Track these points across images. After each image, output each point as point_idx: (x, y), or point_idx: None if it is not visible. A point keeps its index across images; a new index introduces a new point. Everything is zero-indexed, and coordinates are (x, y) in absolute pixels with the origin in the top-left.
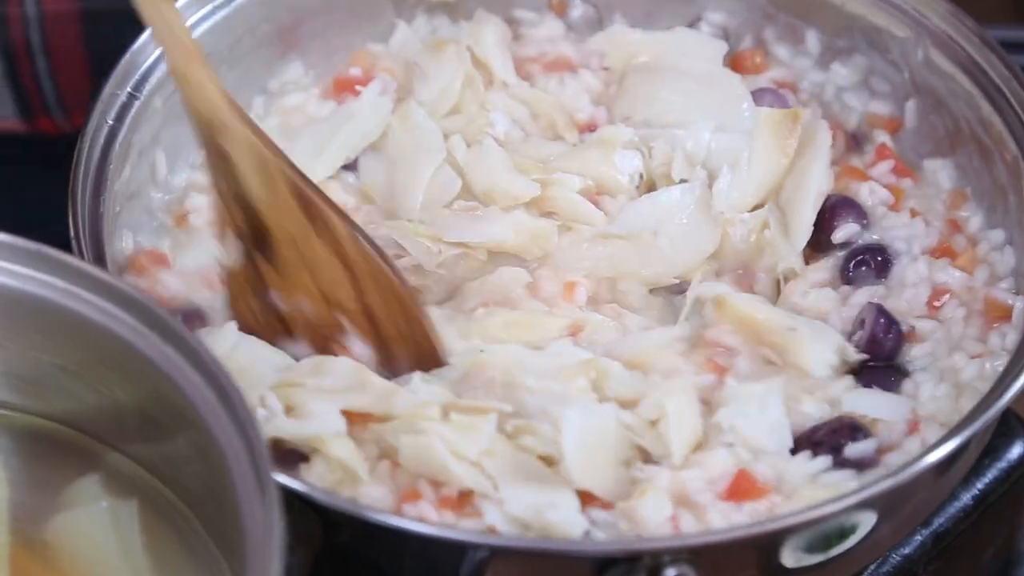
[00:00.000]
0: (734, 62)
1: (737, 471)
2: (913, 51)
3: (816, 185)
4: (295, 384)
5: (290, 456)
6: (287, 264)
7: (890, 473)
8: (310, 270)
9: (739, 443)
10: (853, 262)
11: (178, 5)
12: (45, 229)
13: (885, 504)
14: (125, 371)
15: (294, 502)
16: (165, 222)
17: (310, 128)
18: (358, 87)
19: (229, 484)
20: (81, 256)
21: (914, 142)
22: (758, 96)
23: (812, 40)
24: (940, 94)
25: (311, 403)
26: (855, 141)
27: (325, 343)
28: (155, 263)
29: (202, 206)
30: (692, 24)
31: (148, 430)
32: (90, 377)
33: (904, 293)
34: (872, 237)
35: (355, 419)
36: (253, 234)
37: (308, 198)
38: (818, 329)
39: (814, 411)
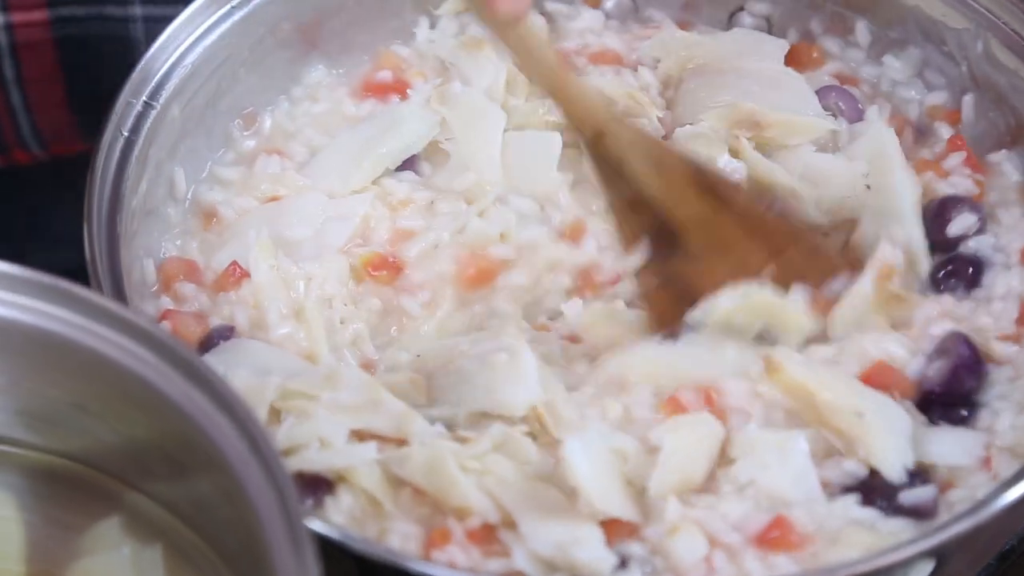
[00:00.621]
0: (791, 58)
1: (775, 517)
2: (972, 43)
3: (909, 196)
4: (308, 396)
5: (316, 484)
6: (697, 252)
7: (967, 513)
8: (721, 250)
9: (760, 495)
10: (944, 272)
11: (195, 6)
12: (52, 255)
13: (961, 543)
14: (145, 410)
15: (330, 549)
16: (190, 226)
17: (350, 130)
18: (399, 94)
19: (259, 533)
20: (98, 282)
21: (973, 136)
22: (823, 94)
23: (862, 31)
24: (1002, 89)
25: (322, 419)
26: (920, 133)
27: None
28: (184, 274)
29: (228, 199)
30: (734, 14)
31: (171, 471)
32: (107, 415)
33: (991, 307)
34: (987, 236)
35: (364, 439)
36: (660, 235)
37: (703, 175)
38: (888, 412)
39: (859, 469)
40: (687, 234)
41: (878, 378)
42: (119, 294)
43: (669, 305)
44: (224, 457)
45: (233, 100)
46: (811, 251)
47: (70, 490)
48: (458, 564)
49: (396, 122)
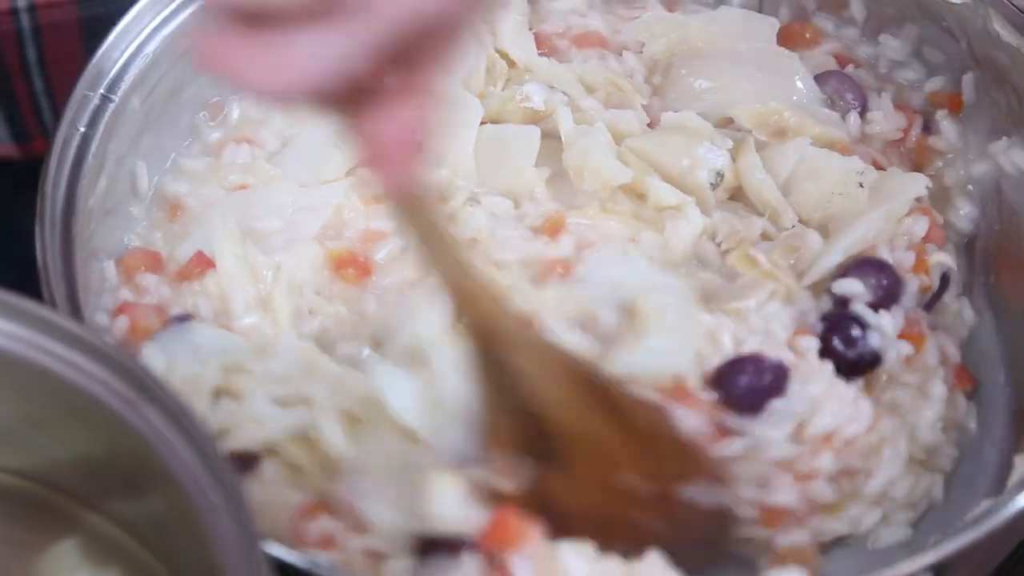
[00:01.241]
0: (784, 38)
1: None
2: (972, 19)
3: (862, 233)
4: (242, 370)
5: (243, 460)
6: (577, 464)
7: (967, 526)
8: (603, 461)
9: None
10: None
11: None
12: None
13: (960, 558)
14: (97, 428)
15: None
16: (154, 219)
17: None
18: None
19: (216, 558)
20: (50, 289)
21: (975, 122)
22: (823, 80)
23: (857, 7)
24: (1002, 66)
25: (256, 396)
26: (926, 130)
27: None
28: (146, 266)
29: (193, 190)
30: None
31: (127, 490)
32: (60, 433)
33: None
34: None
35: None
36: (536, 445)
37: (609, 400)
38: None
39: None
40: (569, 445)
41: None
42: (72, 302)
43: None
44: (177, 478)
45: (198, 90)
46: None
47: (24, 509)
48: (328, 534)
49: None
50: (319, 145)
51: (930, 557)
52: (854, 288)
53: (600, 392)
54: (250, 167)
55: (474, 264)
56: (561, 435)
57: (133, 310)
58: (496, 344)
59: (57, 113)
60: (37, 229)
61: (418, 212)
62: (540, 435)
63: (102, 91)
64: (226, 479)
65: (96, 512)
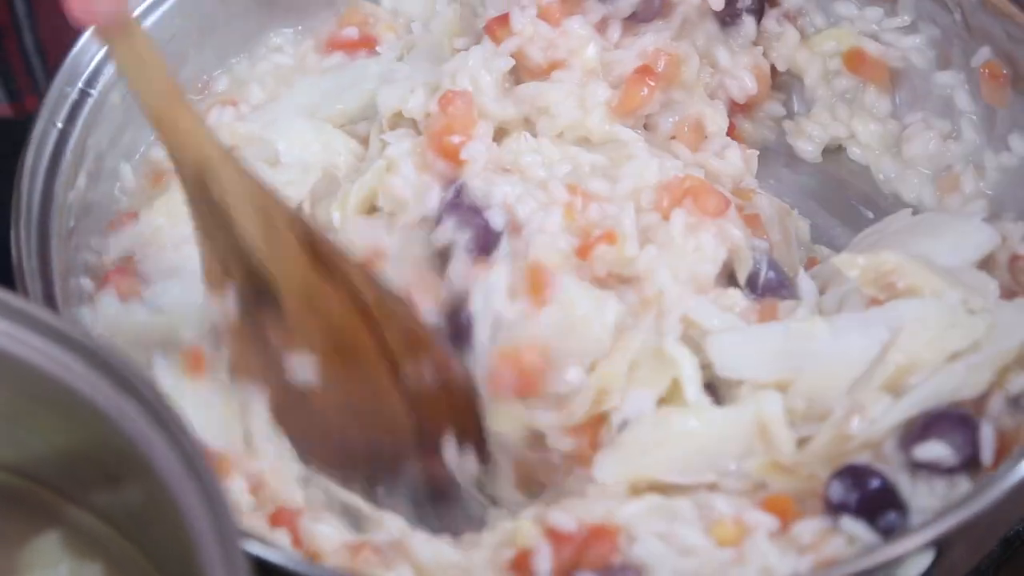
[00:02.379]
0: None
1: None
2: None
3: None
4: None
5: None
6: (293, 317)
7: (965, 501)
8: (321, 318)
9: None
10: None
11: None
12: None
13: (960, 533)
14: (76, 421)
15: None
16: (143, 186)
17: (308, 79)
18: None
19: (194, 551)
20: (24, 286)
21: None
22: None
23: None
24: (997, 39)
25: None
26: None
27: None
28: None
29: None
30: None
31: (107, 483)
32: (38, 426)
33: None
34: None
35: None
36: (252, 287)
37: (315, 240)
38: None
39: None
40: (283, 296)
41: None
42: (49, 298)
43: (248, 356)
44: (155, 472)
45: (182, 82)
46: (419, 340)
47: (6, 502)
48: None
49: (363, 76)
50: (309, 100)
51: (930, 533)
52: (937, 451)
53: (319, 252)
54: (232, 128)
55: (182, 95)
56: (277, 284)
57: (119, 278)
58: (205, 180)
59: (48, 71)
60: (12, 228)
61: (121, 39)
62: (258, 280)
63: (80, 86)
64: (203, 474)
65: (77, 505)
